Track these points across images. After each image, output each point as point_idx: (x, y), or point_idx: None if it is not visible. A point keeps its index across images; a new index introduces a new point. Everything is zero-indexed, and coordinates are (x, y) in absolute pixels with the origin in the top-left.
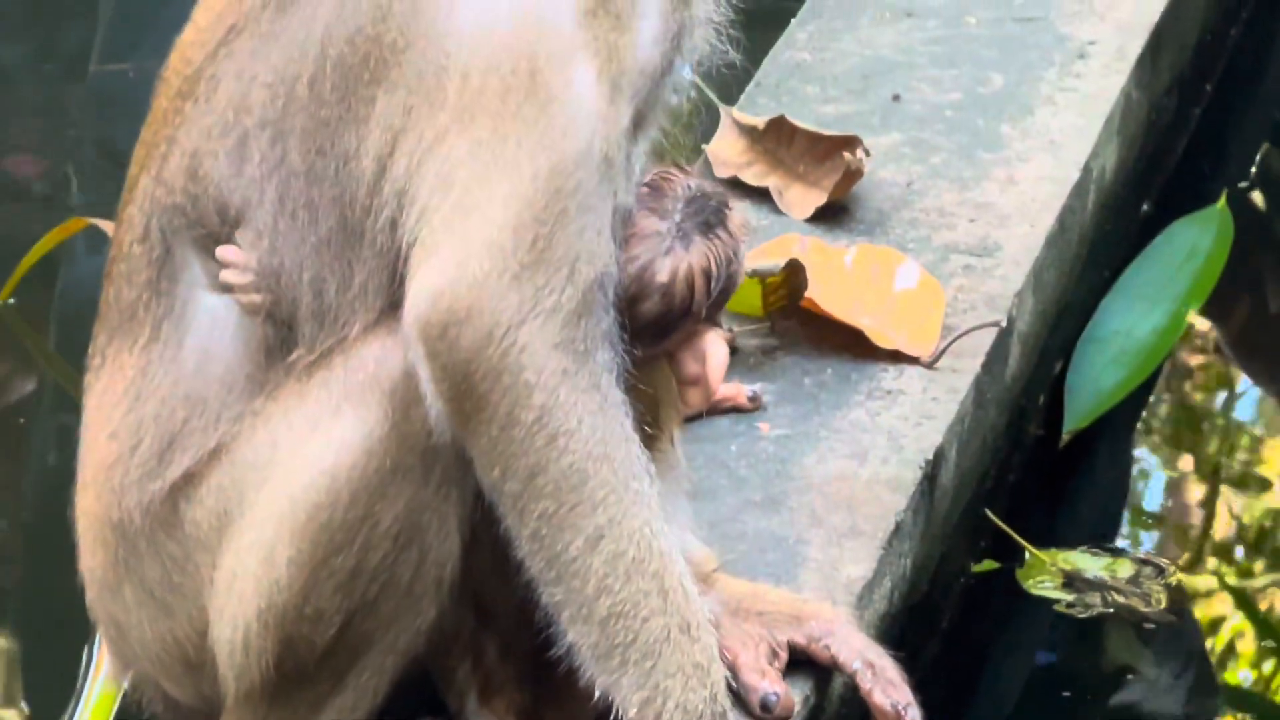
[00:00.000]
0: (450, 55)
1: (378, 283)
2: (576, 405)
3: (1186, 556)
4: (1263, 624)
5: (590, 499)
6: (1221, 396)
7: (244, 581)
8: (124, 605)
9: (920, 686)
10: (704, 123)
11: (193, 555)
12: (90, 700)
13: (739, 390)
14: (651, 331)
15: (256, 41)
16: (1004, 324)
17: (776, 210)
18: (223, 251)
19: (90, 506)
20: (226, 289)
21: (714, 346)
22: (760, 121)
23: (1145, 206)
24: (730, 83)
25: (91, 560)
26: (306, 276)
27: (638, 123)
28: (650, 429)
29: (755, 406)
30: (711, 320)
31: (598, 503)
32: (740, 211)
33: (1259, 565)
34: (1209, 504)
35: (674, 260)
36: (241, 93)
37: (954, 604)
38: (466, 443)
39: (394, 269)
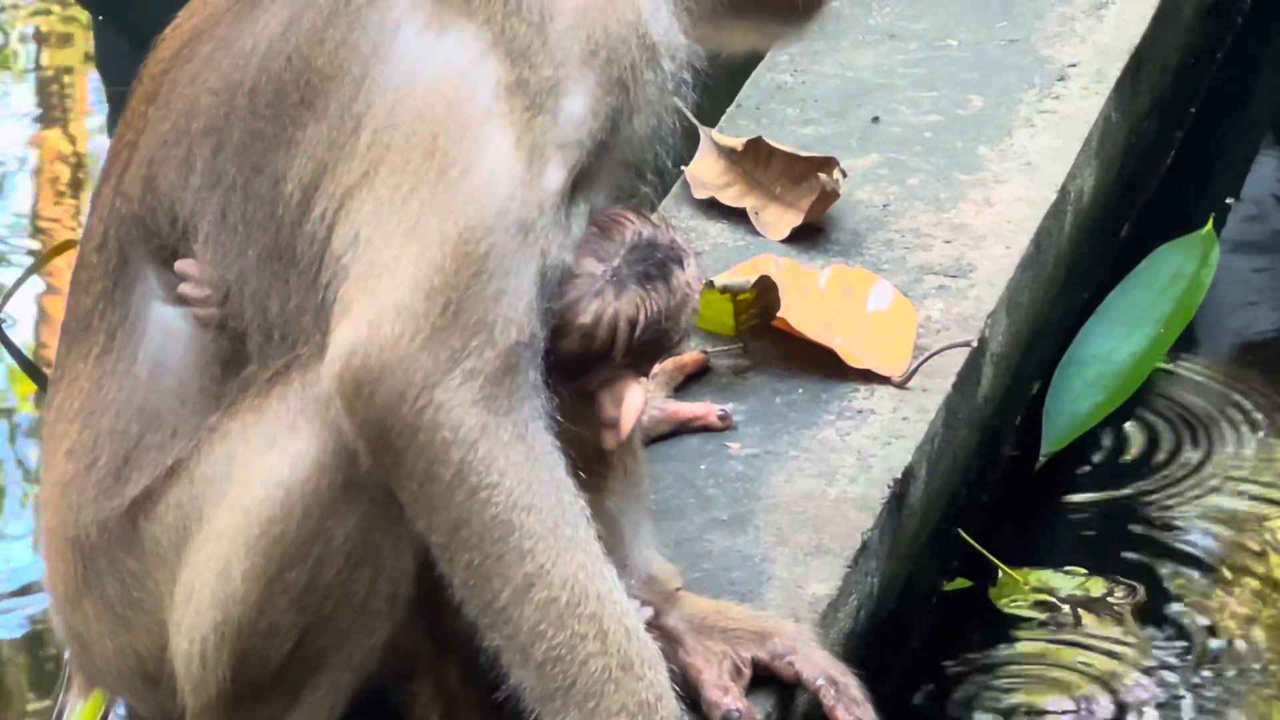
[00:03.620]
0: (371, 104)
1: (315, 304)
2: (498, 459)
3: (1160, 575)
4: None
5: (517, 549)
6: (1201, 419)
7: (201, 595)
8: (85, 620)
9: (890, 704)
10: (684, 144)
11: (152, 571)
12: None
13: (709, 410)
14: (568, 369)
15: (212, 46)
16: (974, 344)
17: (753, 231)
18: (181, 264)
19: (49, 523)
20: (183, 301)
21: (632, 394)
22: (739, 143)
23: (1126, 229)
24: (712, 105)
25: (53, 575)
26: (248, 291)
27: (580, 186)
28: (594, 466)
29: (725, 426)
30: (637, 369)
31: (525, 552)
32: (693, 270)
33: (1232, 584)
34: (1186, 522)
35: (601, 304)
36: (192, 98)
37: (925, 623)
38: (395, 491)
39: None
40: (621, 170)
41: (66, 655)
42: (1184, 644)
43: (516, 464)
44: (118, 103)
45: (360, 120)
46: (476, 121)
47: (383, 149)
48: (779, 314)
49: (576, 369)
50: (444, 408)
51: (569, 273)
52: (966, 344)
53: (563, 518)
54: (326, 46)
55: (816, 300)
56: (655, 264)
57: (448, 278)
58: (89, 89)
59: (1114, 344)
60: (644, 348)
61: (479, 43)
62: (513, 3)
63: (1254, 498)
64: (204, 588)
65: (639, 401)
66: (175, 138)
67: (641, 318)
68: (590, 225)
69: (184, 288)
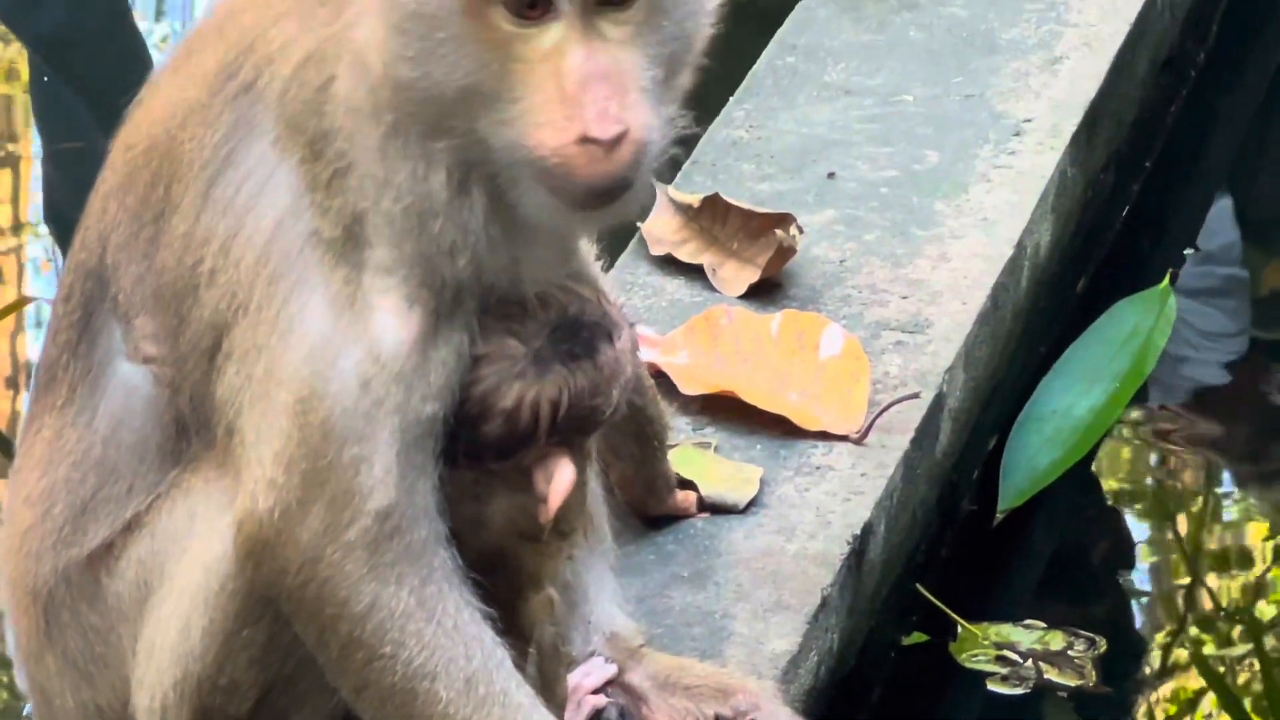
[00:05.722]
0: (214, 227)
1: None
2: (391, 631)
3: (1120, 629)
4: (1220, 693)
5: (424, 714)
6: (1158, 473)
7: (162, 651)
8: (47, 673)
9: None
10: None
11: (115, 627)
12: None
13: (689, 500)
14: (494, 452)
15: (141, 109)
16: (919, 394)
17: (711, 287)
18: (141, 322)
19: (11, 574)
20: (146, 359)
21: (562, 472)
22: (695, 199)
23: (1083, 283)
24: (667, 161)
25: (16, 627)
26: (173, 358)
27: (442, 324)
28: (551, 536)
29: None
30: (569, 445)
31: (433, 716)
32: (625, 343)
33: (1193, 636)
34: (1145, 576)
35: (522, 386)
36: (118, 153)
37: (885, 678)
38: None
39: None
40: (496, 290)
41: (28, 708)
42: (1145, 696)
43: (415, 633)
44: (57, 160)
45: (207, 240)
46: (295, 276)
47: (229, 293)
48: (731, 386)
49: (504, 450)
50: (329, 583)
51: (485, 354)
52: (915, 395)
53: (475, 675)
54: (159, 161)
55: (769, 348)
56: (581, 342)
57: (298, 449)
58: (32, 145)
59: (1072, 399)
60: (572, 425)
61: (299, 184)
62: (319, 145)
63: (1212, 550)
64: (165, 644)
65: (569, 479)
66: (109, 191)
67: (565, 399)
68: (511, 303)
69: (143, 344)
